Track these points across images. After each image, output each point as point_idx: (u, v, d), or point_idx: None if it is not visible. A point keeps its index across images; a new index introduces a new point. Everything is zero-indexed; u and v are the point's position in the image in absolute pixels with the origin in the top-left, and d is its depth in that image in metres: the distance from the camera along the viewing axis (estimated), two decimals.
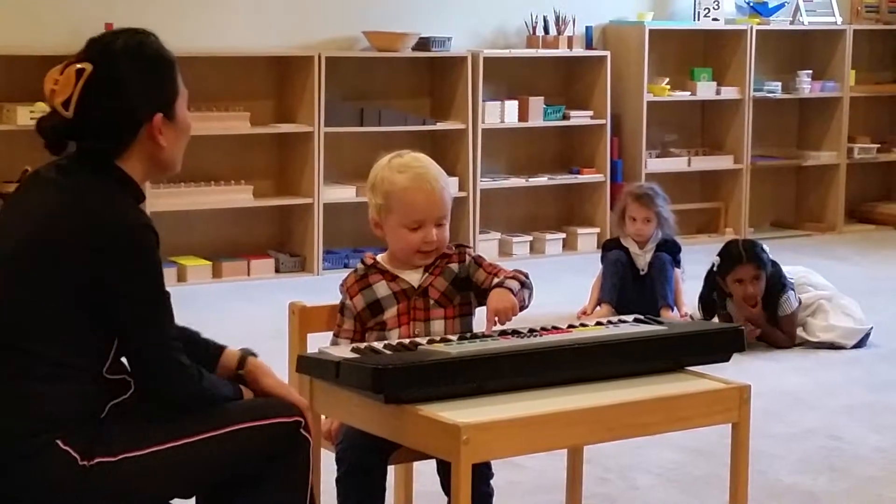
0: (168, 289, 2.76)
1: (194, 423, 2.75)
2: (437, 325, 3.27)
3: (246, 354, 3.00)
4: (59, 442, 2.62)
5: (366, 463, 3.20)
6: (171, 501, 2.87)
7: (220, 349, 3.01)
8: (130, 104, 2.77)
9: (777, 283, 6.00)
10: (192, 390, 2.76)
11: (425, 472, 3.49)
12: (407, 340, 3.09)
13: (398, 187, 3.27)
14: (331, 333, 3.37)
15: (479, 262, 3.33)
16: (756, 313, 5.97)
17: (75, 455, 2.62)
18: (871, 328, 6.13)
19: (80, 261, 2.66)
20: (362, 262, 3.36)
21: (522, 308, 3.25)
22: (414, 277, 3.30)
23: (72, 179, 2.76)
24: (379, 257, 3.36)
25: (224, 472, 2.80)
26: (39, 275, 2.67)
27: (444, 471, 3.22)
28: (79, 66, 2.78)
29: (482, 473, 3.27)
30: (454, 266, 3.32)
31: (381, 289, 3.30)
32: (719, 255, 6.07)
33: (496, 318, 3.17)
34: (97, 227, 2.68)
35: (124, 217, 2.71)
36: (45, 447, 2.61)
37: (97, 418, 2.68)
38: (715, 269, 6.04)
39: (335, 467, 3.23)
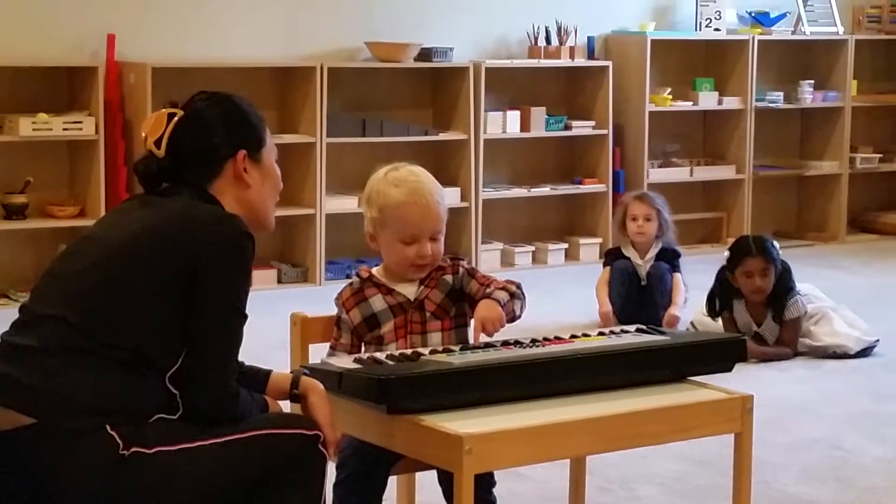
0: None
1: (222, 426, 2.84)
2: (434, 338, 3.27)
3: (298, 375, 3.05)
4: (107, 426, 2.70)
5: (368, 470, 3.19)
6: None
7: (266, 375, 3.07)
8: (215, 139, 2.98)
9: (786, 285, 6.01)
10: (228, 413, 2.84)
11: (428, 483, 3.49)
12: (409, 351, 3.09)
13: (393, 201, 3.27)
14: None
15: (472, 273, 3.34)
16: (761, 310, 5.99)
17: (119, 441, 2.70)
18: (878, 341, 6.13)
19: (182, 257, 2.80)
20: (358, 275, 3.36)
21: (513, 319, 3.26)
22: (410, 290, 3.30)
23: (174, 198, 2.93)
24: (374, 270, 3.36)
25: (243, 474, 2.84)
26: (143, 264, 2.81)
27: (446, 481, 3.21)
28: (170, 110, 3.00)
29: (485, 482, 3.26)
30: (448, 278, 3.32)
31: (378, 303, 3.30)
32: (729, 249, 6.12)
33: (483, 329, 3.18)
34: (203, 229, 2.84)
35: (228, 222, 2.87)
36: (95, 428, 2.70)
37: (144, 420, 2.76)
38: (724, 263, 6.06)
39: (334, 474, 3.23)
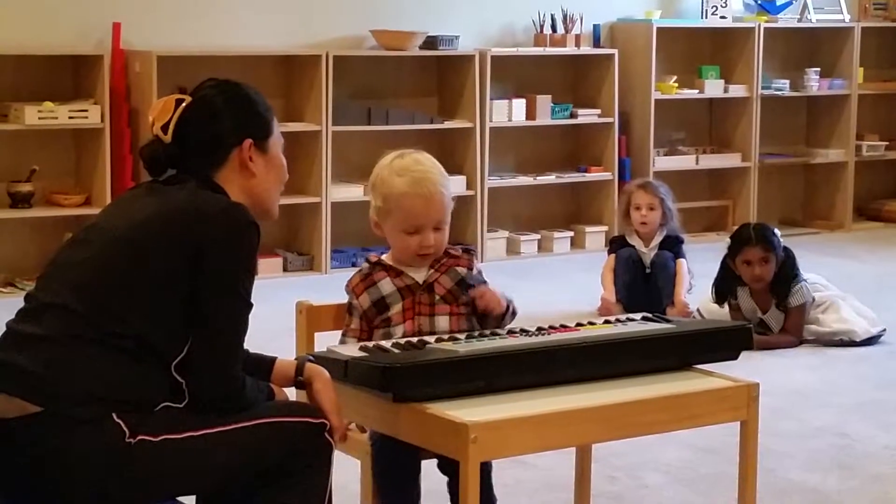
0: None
1: (228, 414, 2.84)
2: (442, 321, 3.27)
3: (303, 362, 3.05)
4: (113, 414, 2.70)
5: (399, 462, 3.19)
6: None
7: (271, 362, 3.08)
8: (222, 127, 2.97)
9: (790, 272, 6.01)
10: (234, 402, 2.84)
11: (432, 470, 3.48)
12: (415, 339, 3.09)
13: (396, 191, 3.25)
14: (338, 332, 3.37)
15: (480, 279, 3.34)
16: (765, 297, 5.99)
17: (125, 429, 2.71)
18: (885, 330, 6.12)
19: (187, 246, 2.80)
20: (367, 260, 3.36)
21: (502, 317, 3.30)
22: (419, 274, 3.30)
23: (179, 186, 2.92)
24: (383, 256, 3.36)
25: (249, 463, 2.85)
26: (147, 253, 2.81)
27: (453, 473, 3.21)
28: (178, 96, 3.00)
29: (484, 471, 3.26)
30: (462, 270, 3.32)
31: (386, 286, 3.29)
32: (730, 237, 6.14)
33: (482, 297, 3.25)
34: (208, 218, 2.83)
35: (234, 211, 2.86)
36: (101, 416, 2.70)
37: (150, 408, 2.77)
38: (726, 251, 6.07)
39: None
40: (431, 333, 3.21)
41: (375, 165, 3.35)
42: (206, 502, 2.99)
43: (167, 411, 2.78)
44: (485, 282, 3.35)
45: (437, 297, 3.28)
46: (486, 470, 3.29)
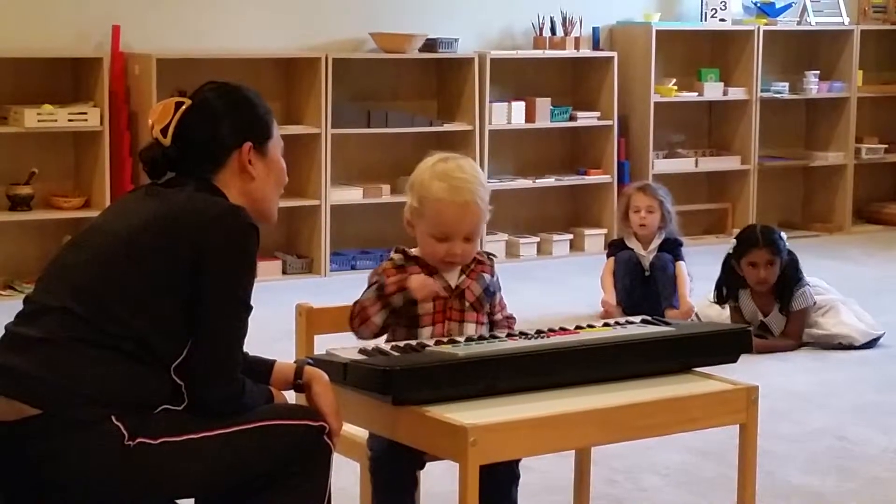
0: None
1: (227, 417, 2.84)
2: (470, 328, 3.26)
3: (301, 365, 3.05)
4: (112, 416, 2.70)
5: (398, 473, 3.18)
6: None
7: (270, 365, 3.08)
8: (221, 130, 2.97)
9: (794, 275, 6.00)
10: (233, 405, 2.85)
11: (433, 473, 3.49)
12: (414, 342, 3.09)
13: (432, 196, 3.22)
14: (338, 335, 3.35)
15: (498, 285, 3.34)
16: (767, 299, 5.98)
17: (124, 432, 2.71)
18: (884, 334, 6.12)
19: (186, 248, 2.80)
20: (403, 253, 3.31)
21: None
22: (451, 276, 3.28)
23: (178, 189, 2.92)
24: (414, 251, 3.32)
25: (248, 465, 2.85)
26: (147, 256, 2.81)
27: None
28: (178, 99, 3.00)
29: (507, 477, 3.25)
30: (487, 277, 3.32)
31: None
32: (736, 237, 6.11)
33: None
34: (207, 221, 2.83)
35: (233, 214, 2.86)
36: (100, 419, 2.70)
37: (150, 411, 2.77)
38: (731, 251, 6.05)
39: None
40: None
41: (418, 164, 3.30)
42: None
43: (166, 414, 2.78)
44: (500, 288, 3.35)
45: (468, 304, 3.27)
46: (514, 477, 3.29)
